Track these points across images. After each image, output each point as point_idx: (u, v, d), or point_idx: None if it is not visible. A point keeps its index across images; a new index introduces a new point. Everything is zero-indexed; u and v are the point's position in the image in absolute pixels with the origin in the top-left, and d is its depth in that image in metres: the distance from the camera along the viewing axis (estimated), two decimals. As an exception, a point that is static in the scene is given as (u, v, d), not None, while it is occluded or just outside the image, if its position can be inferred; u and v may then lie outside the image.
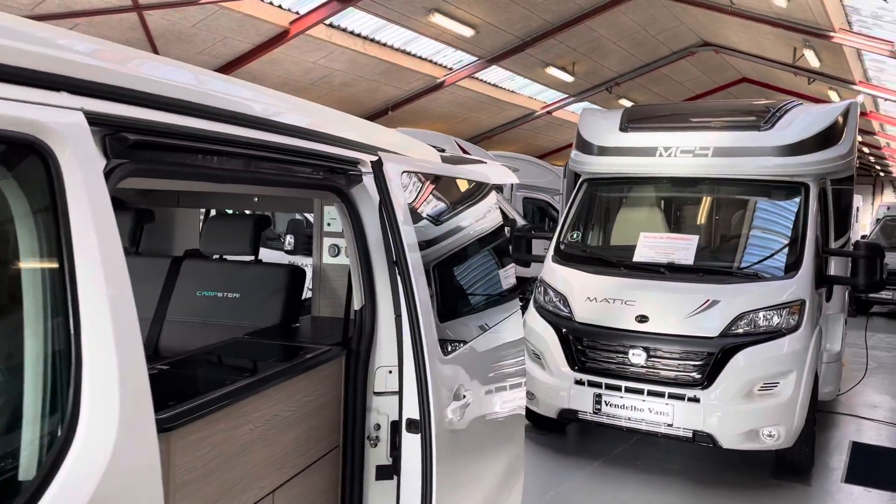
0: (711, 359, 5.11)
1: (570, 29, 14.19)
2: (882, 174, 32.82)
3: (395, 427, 2.34)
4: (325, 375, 2.38)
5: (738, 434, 5.02)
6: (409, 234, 2.27)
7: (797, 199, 5.87)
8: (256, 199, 3.42)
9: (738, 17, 12.62)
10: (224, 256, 3.13)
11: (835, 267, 6.43)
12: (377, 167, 2.22)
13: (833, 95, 16.19)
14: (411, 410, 2.24)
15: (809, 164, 5.83)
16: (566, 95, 19.06)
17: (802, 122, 6.06)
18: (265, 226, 3.00)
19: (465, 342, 2.78)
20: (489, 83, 17.28)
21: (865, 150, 26.00)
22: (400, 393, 2.28)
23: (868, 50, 11.37)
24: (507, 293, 3.44)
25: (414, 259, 2.26)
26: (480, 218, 3.34)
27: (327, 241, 3.09)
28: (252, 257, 3.06)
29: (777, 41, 14.06)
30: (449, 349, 2.54)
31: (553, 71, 16.46)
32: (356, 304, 2.47)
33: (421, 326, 2.21)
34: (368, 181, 2.39)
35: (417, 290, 2.22)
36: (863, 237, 15.24)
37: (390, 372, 2.49)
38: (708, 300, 5.32)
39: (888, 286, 11.25)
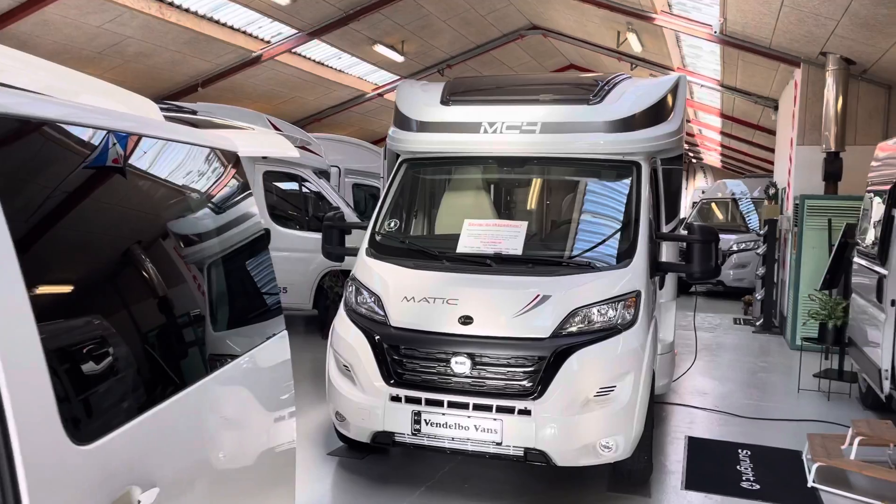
0: (543, 363, 4.44)
1: (396, 3, 13.30)
2: (694, 160, 35.25)
3: None
4: None
5: (573, 449, 4.39)
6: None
7: (629, 180, 5.37)
8: None
9: (565, -2, 12.38)
10: None
11: (666, 252, 6.05)
12: None
13: (653, 82, 16.61)
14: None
15: (641, 140, 5.35)
16: (397, 77, 18.19)
17: (632, 95, 5.58)
18: None
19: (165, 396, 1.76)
20: (314, 60, 16.01)
21: (681, 137, 27.52)
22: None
23: (688, 33, 11.50)
24: (264, 311, 2.44)
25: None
26: (215, 208, 2.31)
27: None
28: None
29: (602, 25, 14.05)
30: (107, 419, 1.49)
31: (381, 49, 15.51)
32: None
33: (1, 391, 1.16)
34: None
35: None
36: (681, 220, 15.81)
37: None
38: (538, 295, 4.65)
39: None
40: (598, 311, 4.64)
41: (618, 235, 5.16)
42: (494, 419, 4.41)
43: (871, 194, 7.05)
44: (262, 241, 2.44)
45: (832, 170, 9.77)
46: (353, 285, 5.14)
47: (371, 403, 4.65)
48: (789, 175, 11.26)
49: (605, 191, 5.75)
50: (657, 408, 6.27)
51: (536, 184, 6.25)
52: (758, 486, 4.97)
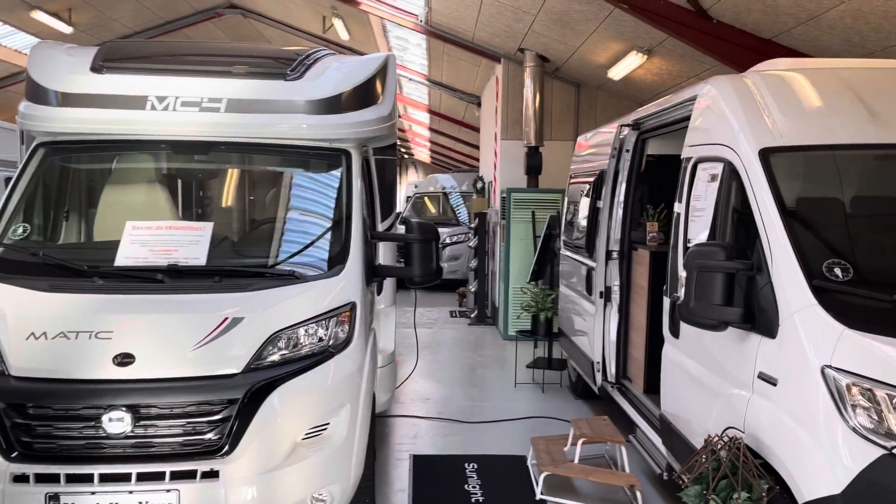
0: (234, 408, 3.43)
1: (56, -41, 10.99)
2: (406, 156, 36.21)
3: None
4: None
5: (279, 513, 3.44)
6: None
7: (338, 172, 4.55)
8: None
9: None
10: None
11: (384, 253, 5.38)
12: None
13: (363, 74, 16.18)
14: None
15: (350, 125, 4.56)
16: (69, 52, 15.37)
17: (337, 73, 4.77)
18: None
19: None
20: (-51, 24, 12.73)
21: (391, 132, 27.90)
22: None
23: (394, 21, 11.13)
24: None
25: None
26: None
27: None
28: None
29: (307, 8, 13.19)
30: None
31: (43, 17, 12.80)
32: None
33: None
34: None
35: None
36: (397, 215, 15.67)
37: None
38: (226, 319, 3.61)
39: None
40: (306, 331, 3.75)
41: (327, 237, 4.31)
42: (168, 490, 3.30)
43: (574, 186, 7.16)
44: None
45: (533, 163, 10.08)
46: (-48, 321, 3.58)
47: (-19, 491, 3.22)
48: (495, 169, 11.51)
49: (311, 184, 4.87)
50: (378, 424, 5.58)
51: (226, 176, 5.13)
52: (489, 509, 4.52)
